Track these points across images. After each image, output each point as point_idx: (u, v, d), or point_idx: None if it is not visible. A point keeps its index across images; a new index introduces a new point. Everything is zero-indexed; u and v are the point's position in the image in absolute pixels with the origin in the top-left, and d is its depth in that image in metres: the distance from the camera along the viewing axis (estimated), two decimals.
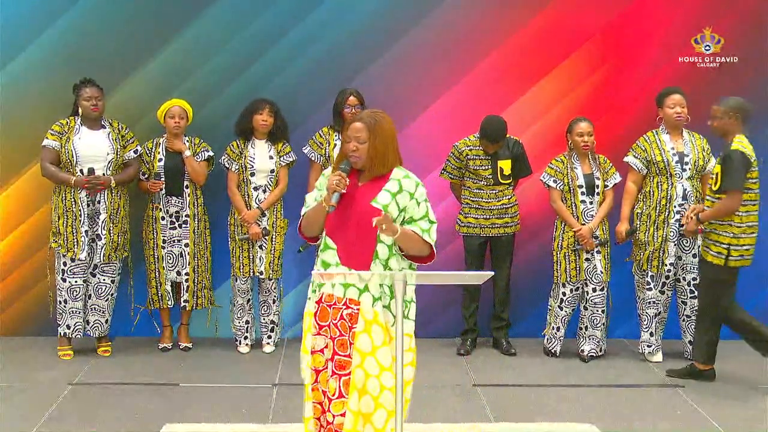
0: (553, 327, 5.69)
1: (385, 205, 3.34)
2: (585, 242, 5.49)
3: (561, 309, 5.63)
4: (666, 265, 5.48)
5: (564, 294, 5.60)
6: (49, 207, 5.57)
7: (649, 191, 5.52)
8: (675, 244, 5.48)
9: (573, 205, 5.55)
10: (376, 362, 3.32)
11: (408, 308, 3.44)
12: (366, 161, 3.40)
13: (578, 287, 5.61)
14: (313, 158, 5.70)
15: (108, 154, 5.44)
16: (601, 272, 5.54)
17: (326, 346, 3.42)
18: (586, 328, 5.66)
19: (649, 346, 5.63)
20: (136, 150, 5.59)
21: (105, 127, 5.50)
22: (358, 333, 3.34)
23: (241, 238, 5.60)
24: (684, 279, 5.56)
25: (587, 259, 5.55)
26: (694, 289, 5.52)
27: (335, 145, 5.64)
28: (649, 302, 5.58)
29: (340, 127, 5.68)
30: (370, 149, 3.38)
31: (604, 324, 5.64)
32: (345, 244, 3.40)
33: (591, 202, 5.54)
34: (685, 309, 5.61)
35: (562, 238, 5.56)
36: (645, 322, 5.63)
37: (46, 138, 5.42)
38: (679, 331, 5.71)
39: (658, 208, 5.47)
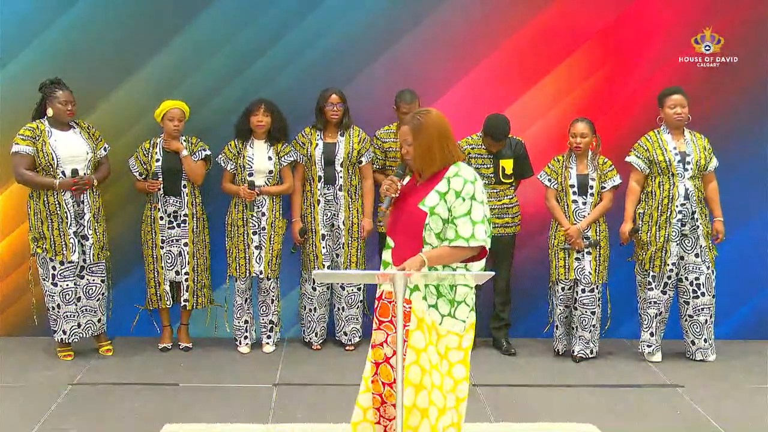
0: (553, 325, 5.71)
1: (432, 207, 3.35)
2: (573, 242, 5.49)
3: (556, 307, 5.66)
4: (668, 265, 5.48)
5: (557, 291, 5.62)
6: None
7: (651, 191, 5.52)
8: (677, 244, 5.48)
9: (565, 204, 5.57)
10: (428, 359, 3.38)
11: (454, 307, 3.44)
12: (416, 162, 3.43)
13: (570, 286, 5.61)
14: (297, 159, 5.71)
15: (87, 153, 5.39)
16: (590, 273, 5.52)
17: (386, 341, 3.50)
18: (576, 328, 5.65)
19: (649, 346, 5.63)
20: (105, 148, 5.56)
21: (74, 128, 5.45)
22: (412, 331, 3.38)
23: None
24: (686, 279, 5.56)
25: (577, 259, 5.55)
26: (696, 289, 5.53)
27: (317, 144, 5.64)
28: (650, 302, 5.58)
29: (323, 126, 5.68)
30: (415, 149, 3.40)
31: (594, 326, 5.61)
32: (398, 243, 3.45)
33: (584, 203, 5.53)
34: (687, 309, 5.61)
35: (555, 236, 5.60)
36: (645, 322, 5.63)
37: (17, 144, 5.28)
38: (679, 331, 5.72)
39: (660, 208, 5.47)
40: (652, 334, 5.62)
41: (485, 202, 3.40)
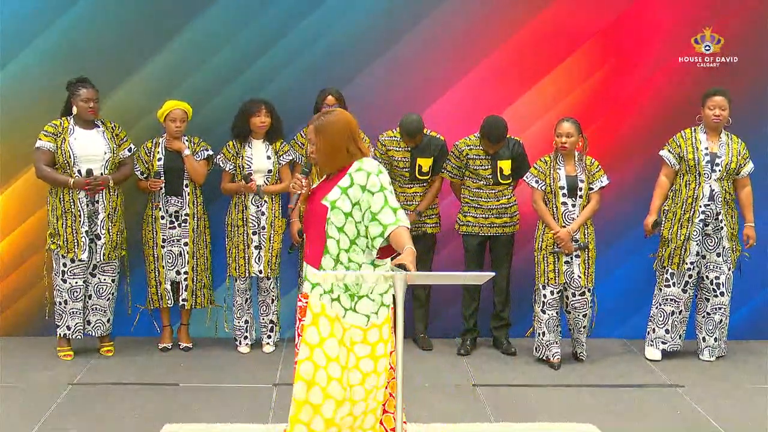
0: (538, 332, 5.54)
1: (333, 201, 3.40)
2: (563, 245, 5.38)
3: (544, 313, 5.48)
4: (686, 263, 5.48)
5: (545, 296, 5.46)
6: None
7: (678, 189, 5.53)
8: (697, 244, 5.47)
9: (554, 206, 5.44)
10: (323, 353, 3.40)
11: (355, 301, 3.46)
12: (319, 160, 3.51)
13: (560, 290, 5.49)
14: (294, 159, 5.71)
15: (105, 153, 5.40)
16: (579, 277, 5.42)
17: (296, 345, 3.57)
18: (572, 331, 5.62)
19: (664, 343, 5.62)
20: (130, 149, 5.57)
21: (99, 126, 5.47)
22: (307, 326, 3.43)
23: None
24: (707, 277, 5.56)
25: (567, 263, 5.43)
26: (715, 288, 5.53)
27: None
28: (668, 299, 5.57)
29: None
30: (318, 148, 3.47)
31: (585, 327, 5.58)
32: (308, 239, 3.53)
33: (573, 205, 5.41)
34: (706, 306, 5.61)
35: (542, 239, 5.45)
36: (660, 319, 5.60)
37: (40, 139, 5.35)
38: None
39: (684, 206, 5.47)
40: (667, 331, 5.60)
41: (393, 191, 3.48)
